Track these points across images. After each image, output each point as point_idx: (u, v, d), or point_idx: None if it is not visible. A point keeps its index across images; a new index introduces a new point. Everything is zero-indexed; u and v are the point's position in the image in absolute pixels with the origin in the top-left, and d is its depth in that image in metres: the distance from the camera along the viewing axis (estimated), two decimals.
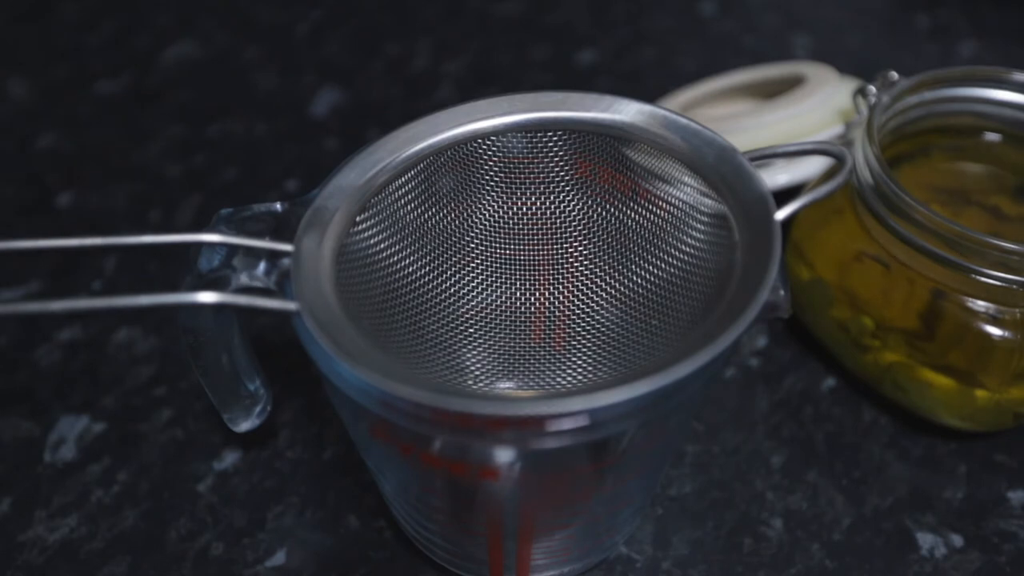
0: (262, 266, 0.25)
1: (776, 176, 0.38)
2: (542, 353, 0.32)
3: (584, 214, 0.31)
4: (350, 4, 0.58)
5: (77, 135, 0.49)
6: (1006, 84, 0.34)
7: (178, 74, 0.53)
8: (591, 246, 0.31)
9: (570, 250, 0.31)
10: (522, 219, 0.31)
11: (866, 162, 0.32)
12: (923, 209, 0.30)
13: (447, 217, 0.30)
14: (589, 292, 0.31)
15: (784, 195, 0.42)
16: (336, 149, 0.48)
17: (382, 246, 0.28)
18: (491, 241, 0.31)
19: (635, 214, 0.30)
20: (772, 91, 0.45)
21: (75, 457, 0.35)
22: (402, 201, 0.29)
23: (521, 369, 0.32)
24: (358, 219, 0.27)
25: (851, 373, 0.35)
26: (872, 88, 0.35)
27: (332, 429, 0.35)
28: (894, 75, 0.35)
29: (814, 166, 0.38)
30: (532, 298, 0.32)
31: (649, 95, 0.50)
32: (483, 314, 0.32)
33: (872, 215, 0.32)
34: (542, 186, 0.30)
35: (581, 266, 0.31)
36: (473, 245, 0.31)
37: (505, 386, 0.32)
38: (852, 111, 0.39)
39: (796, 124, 0.39)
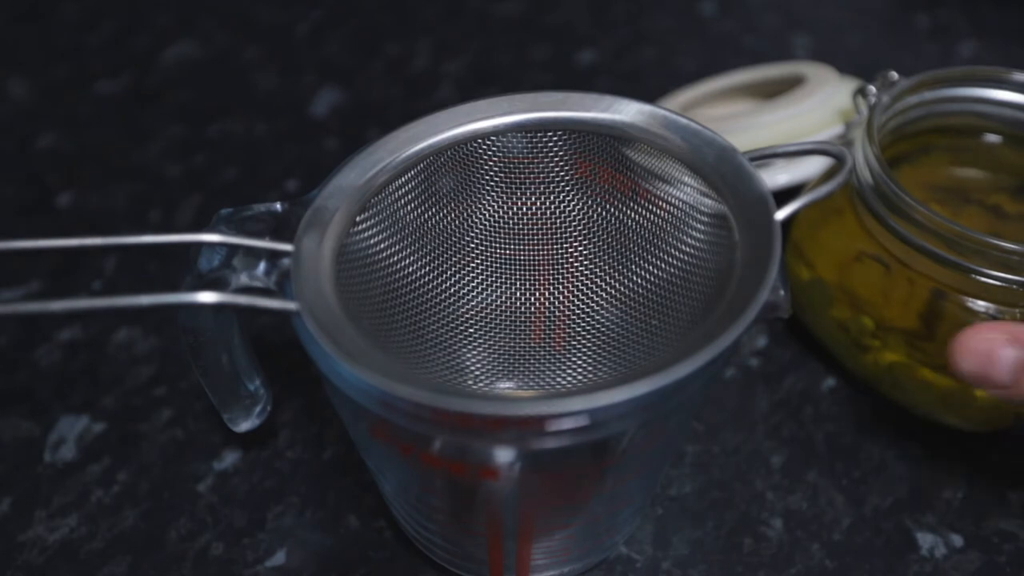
0: (262, 266, 0.25)
1: (776, 176, 0.38)
2: (542, 353, 0.32)
3: (584, 214, 0.31)
4: (350, 4, 0.58)
5: (77, 135, 0.49)
6: (1006, 84, 0.34)
7: (178, 74, 0.53)
8: (591, 246, 0.31)
9: (570, 250, 0.31)
10: (522, 219, 0.31)
11: (866, 162, 0.32)
12: (923, 209, 0.30)
13: (447, 217, 0.30)
14: (589, 292, 0.31)
15: (784, 195, 0.42)
16: (336, 149, 0.48)
17: (382, 246, 0.28)
18: (491, 241, 0.31)
19: (635, 214, 0.30)
20: (772, 91, 0.45)
21: (75, 457, 0.35)
22: (402, 201, 0.29)
23: (521, 369, 0.32)
24: (358, 219, 0.27)
25: (851, 373, 0.35)
26: (872, 88, 0.35)
27: (332, 429, 0.35)
28: (894, 75, 0.35)
29: (814, 166, 0.38)
30: (532, 298, 0.32)
31: (649, 95, 0.50)
32: (483, 314, 0.32)
33: (872, 215, 0.32)
34: (542, 186, 0.30)
35: (581, 266, 0.31)
36: (473, 245, 0.31)
37: (505, 386, 0.32)
38: (852, 111, 0.39)
39: (796, 124, 0.39)
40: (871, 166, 0.32)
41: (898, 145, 0.35)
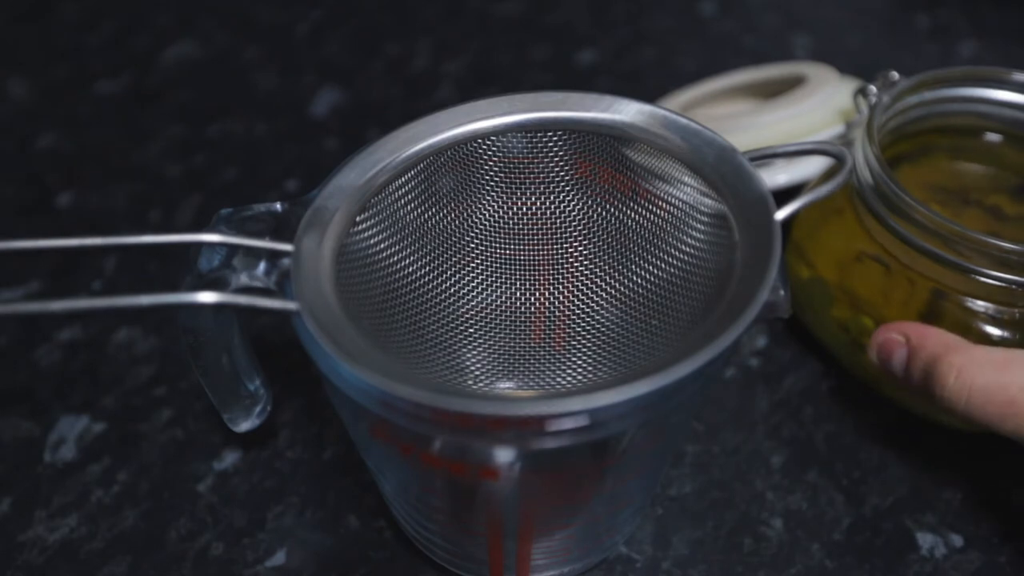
0: (262, 266, 0.25)
1: (776, 176, 0.38)
2: (542, 353, 0.32)
3: (584, 214, 0.31)
4: (350, 4, 0.58)
5: (77, 135, 0.49)
6: (1006, 84, 0.34)
7: (178, 74, 0.53)
8: (591, 246, 0.31)
9: (570, 250, 0.31)
10: (522, 219, 0.31)
11: (866, 162, 0.32)
12: (923, 209, 0.30)
13: (447, 217, 0.30)
14: (589, 292, 0.31)
15: (784, 195, 0.42)
16: (336, 149, 0.48)
17: (382, 246, 0.28)
18: (491, 241, 0.31)
19: (635, 214, 0.30)
20: (773, 91, 0.45)
21: (75, 457, 0.35)
22: (402, 201, 0.29)
23: (521, 369, 0.32)
24: (358, 219, 0.27)
25: (851, 373, 0.35)
26: (873, 88, 0.35)
27: (332, 429, 0.35)
28: (895, 75, 0.35)
29: (814, 166, 0.38)
30: (532, 298, 0.32)
31: (649, 95, 0.50)
32: (483, 314, 0.32)
33: (872, 215, 0.32)
34: (542, 186, 0.30)
35: (581, 266, 0.31)
36: (473, 245, 0.31)
37: (505, 386, 0.32)
38: (853, 111, 0.39)
39: (796, 124, 0.39)
40: (871, 166, 0.32)
41: (898, 145, 0.35)
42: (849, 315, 0.33)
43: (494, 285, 0.32)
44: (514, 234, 0.31)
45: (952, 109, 0.35)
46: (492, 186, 0.30)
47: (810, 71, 0.42)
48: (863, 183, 0.32)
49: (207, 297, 0.23)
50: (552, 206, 0.31)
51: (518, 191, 0.30)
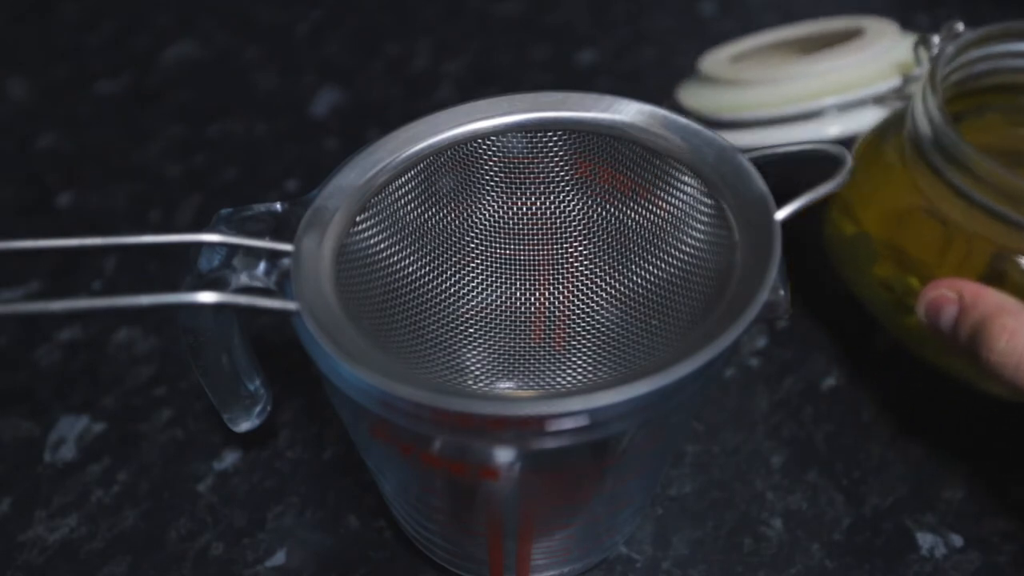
0: (262, 266, 0.25)
1: (827, 128, 0.36)
2: (542, 353, 0.32)
3: (584, 214, 0.31)
4: (350, 4, 0.58)
5: (77, 135, 0.49)
6: None
7: (178, 74, 0.53)
8: (591, 246, 0.31)
9: (570, 250, 0.31)
10: (522, 219, 0.31)
11: (927, 114, 0.30)
12: (987, 164, 0.28)
13: (447, 217, 0.30)
14: (589, 292, 0.31)
15: (794, 192, 0.42)
16: (336, 149, 0.48)
17: (382, 246, 0.28)
18: (491, 241, 0.31)
19: (635, 214, 0.30)
20: (829, 44, 0.41)
21: (75, 457, 0.35)
22: (402, 201, 0.29)
23: (521, 369, 0.32)
24: (358, 219, 0.27)
25: (892, 335, 0.34)
26: (935, 39, 0.33)
27: (332, 429, 0.35)
28: (959, 26, 0.33)
29: (868, 118, 0.36)
30: (532, 298, 0.32)
31: (649, 95, 0.50)
32: (483, 314, 0.32)
33: (930, 170, 0.30)
34: (542, 186, 0.30)
35: (581, 266, 0.31)
36: (473, 245, 0.31)
37: (505, 386, 0.32)
38: (911, 65, 0.36)
39: (850, 75, 0.36)
40: (932, 118, 0.30)
41: (956, 102, 0.33)
42: (893, 273, 0.32)
43: (494, 285, 0.32)
44: (514, 234, 0.31)
45: (1018, 65, 0.33)
46: (492, 186, 0.30)
47: (869, 24, 0.39)
48: (921, 136, 0.30)
49: (207, 297, 0.23)
50: (552, 206, 0.31)
51: (518, 191, 0.30)
